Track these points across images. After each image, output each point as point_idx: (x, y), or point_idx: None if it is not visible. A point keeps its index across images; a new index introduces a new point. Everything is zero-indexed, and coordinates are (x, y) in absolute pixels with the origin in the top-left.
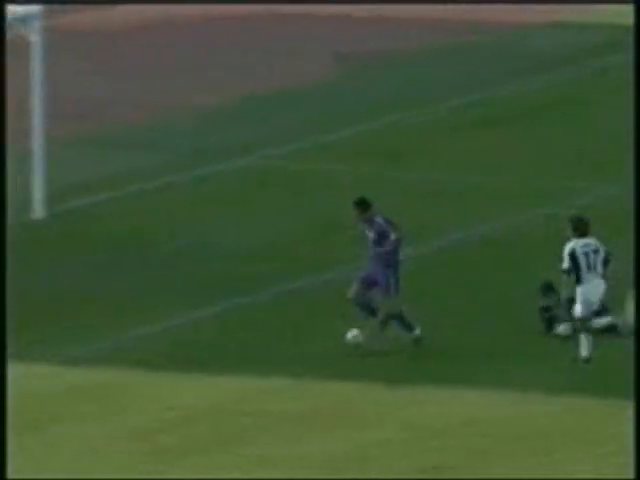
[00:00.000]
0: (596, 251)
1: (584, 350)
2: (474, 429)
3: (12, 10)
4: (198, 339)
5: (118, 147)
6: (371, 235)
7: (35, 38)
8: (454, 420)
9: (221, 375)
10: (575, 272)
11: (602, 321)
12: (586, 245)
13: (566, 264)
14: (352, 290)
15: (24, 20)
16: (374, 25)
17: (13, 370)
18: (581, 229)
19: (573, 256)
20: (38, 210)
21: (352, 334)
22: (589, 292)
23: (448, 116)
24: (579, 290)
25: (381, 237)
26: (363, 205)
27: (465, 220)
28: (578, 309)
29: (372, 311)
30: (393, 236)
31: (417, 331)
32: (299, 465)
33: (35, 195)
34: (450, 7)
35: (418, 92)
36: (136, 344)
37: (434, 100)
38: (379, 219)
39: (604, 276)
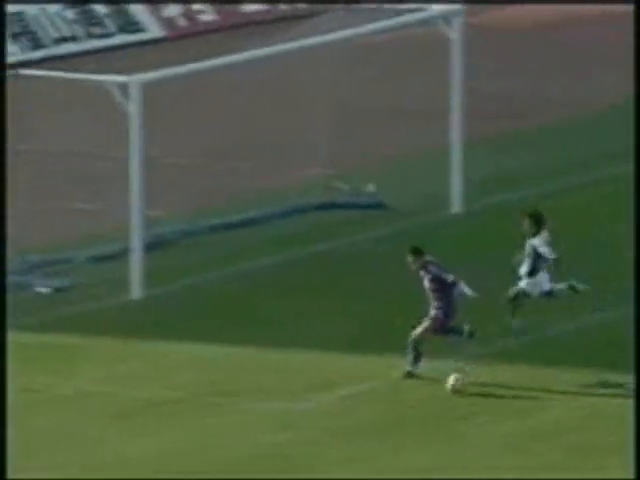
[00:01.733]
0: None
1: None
2: None
3: (434, 8)
4: None
5: (531, 146)
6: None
7: (455, 35)
8: None
9: None
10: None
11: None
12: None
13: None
14: None
15: (446, 17)
16: None
17: None
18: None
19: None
20: (456, 205)
21: None
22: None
23: None
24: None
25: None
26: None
27: None
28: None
29: None
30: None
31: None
32: None
33: (453, 191)
34: None
35: None
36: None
37: None
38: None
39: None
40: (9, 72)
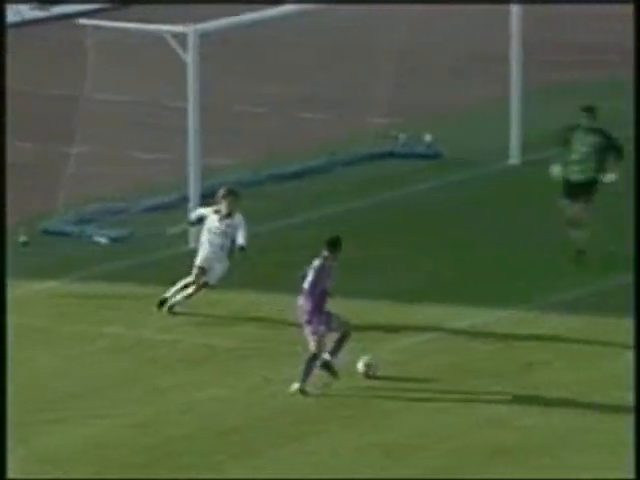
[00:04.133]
0: None
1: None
2: None
3: None
4: None
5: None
6: None
7: None
8: None
9: None
10: None
11: None
12: None
13: None
14: None
15: None
16: None
17: None
18: None
19: None
20: (514, 157)
21: None
22: None
23: None
24: None
25: None
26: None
27: None
28: None
29: None
30: None
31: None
32: None
33: (512, 142)
34: None
35: None
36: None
37: None
38: None
39: None
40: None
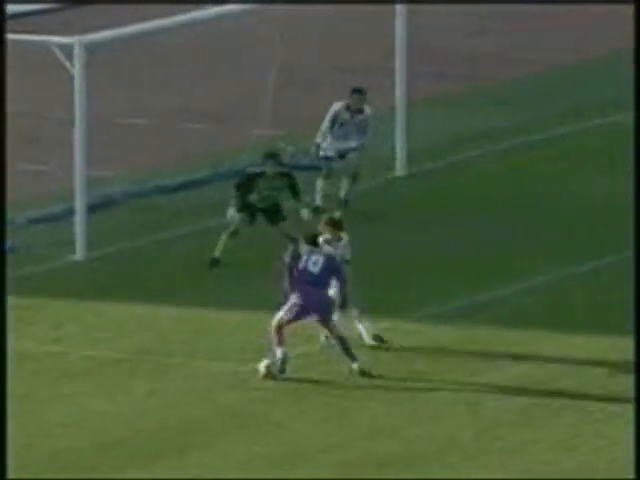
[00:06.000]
0: None
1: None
2: None
3: None
4: (565, 300)
5: (483, 105)
6: None
7: None
8: None
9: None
10: None
11: None
12: None
13: None
14: None
15: None
16: None
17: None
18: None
19: None
20: (400, 169)
21: None
22: None
23: None
24: None
25: None
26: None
27: None
28: None
29: None
30: None
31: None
32: None
33: (398, 153)
34: None
35: None
36: (491, 303)
37: None
38: None
39: None
40: None
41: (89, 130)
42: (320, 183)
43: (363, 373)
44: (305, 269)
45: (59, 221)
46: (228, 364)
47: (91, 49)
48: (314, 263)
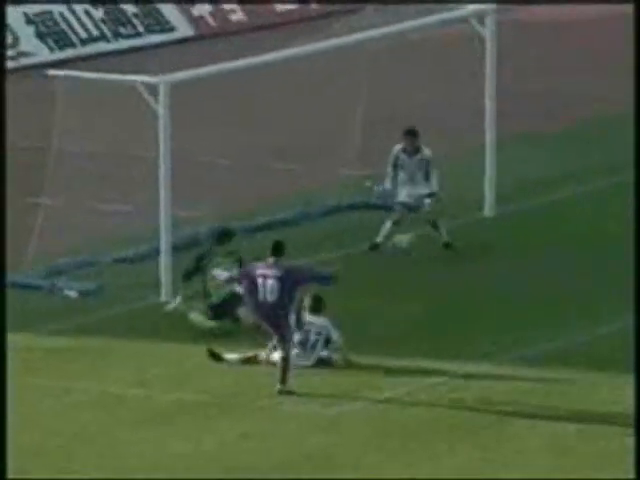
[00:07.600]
0: None
1: None
2: None
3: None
4: None
5: (573, 144)
6: None
7: (487, 33)
8: None
9: None
10: None
11: None
12: None
13: None
14: None
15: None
16: None
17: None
18: None
19: None
20: (489, 209)
21: None
22: None
23: None
24: None
25: None
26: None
27: None
28: None
29: None
30: None
31: None
32: None
33: (487, 193)
34: None
35: None
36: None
37: None
38: None
39: None
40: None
41: (173, 169)
42: (388, 225)
43: (281, 392)
44: None
45: (144, 262)
46: (314, 406)
47: (175, 88)
48: None
